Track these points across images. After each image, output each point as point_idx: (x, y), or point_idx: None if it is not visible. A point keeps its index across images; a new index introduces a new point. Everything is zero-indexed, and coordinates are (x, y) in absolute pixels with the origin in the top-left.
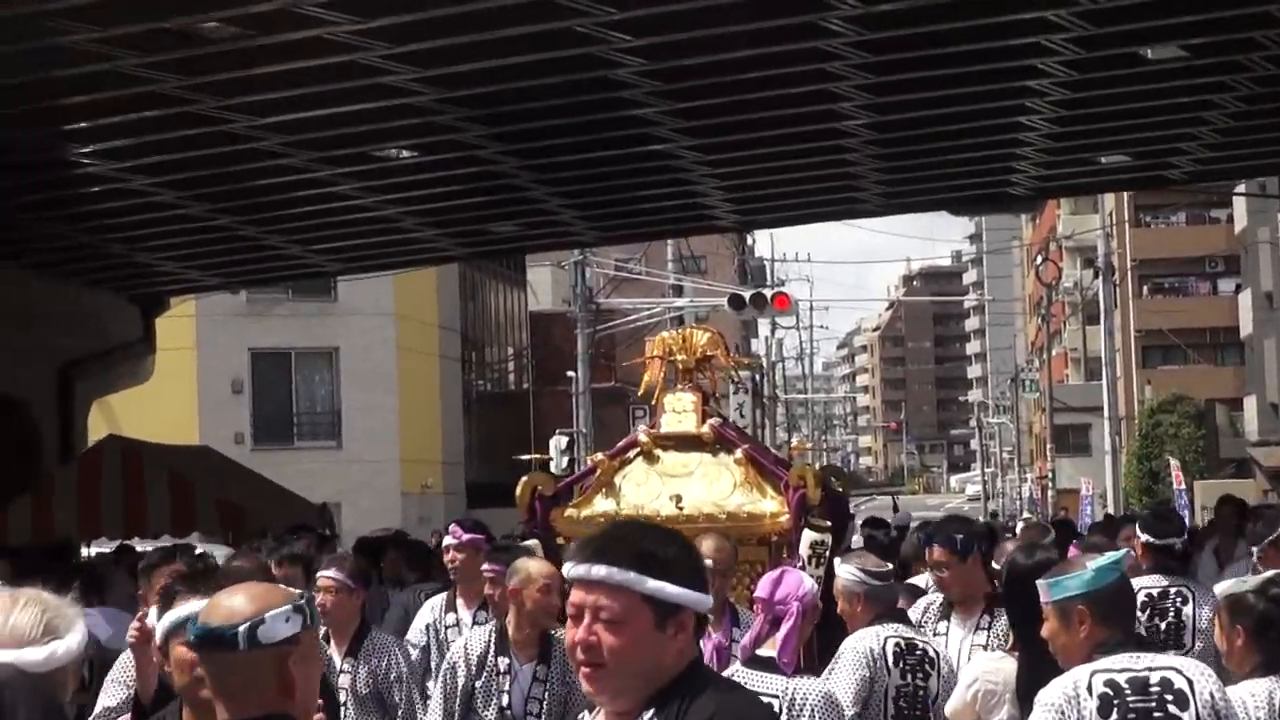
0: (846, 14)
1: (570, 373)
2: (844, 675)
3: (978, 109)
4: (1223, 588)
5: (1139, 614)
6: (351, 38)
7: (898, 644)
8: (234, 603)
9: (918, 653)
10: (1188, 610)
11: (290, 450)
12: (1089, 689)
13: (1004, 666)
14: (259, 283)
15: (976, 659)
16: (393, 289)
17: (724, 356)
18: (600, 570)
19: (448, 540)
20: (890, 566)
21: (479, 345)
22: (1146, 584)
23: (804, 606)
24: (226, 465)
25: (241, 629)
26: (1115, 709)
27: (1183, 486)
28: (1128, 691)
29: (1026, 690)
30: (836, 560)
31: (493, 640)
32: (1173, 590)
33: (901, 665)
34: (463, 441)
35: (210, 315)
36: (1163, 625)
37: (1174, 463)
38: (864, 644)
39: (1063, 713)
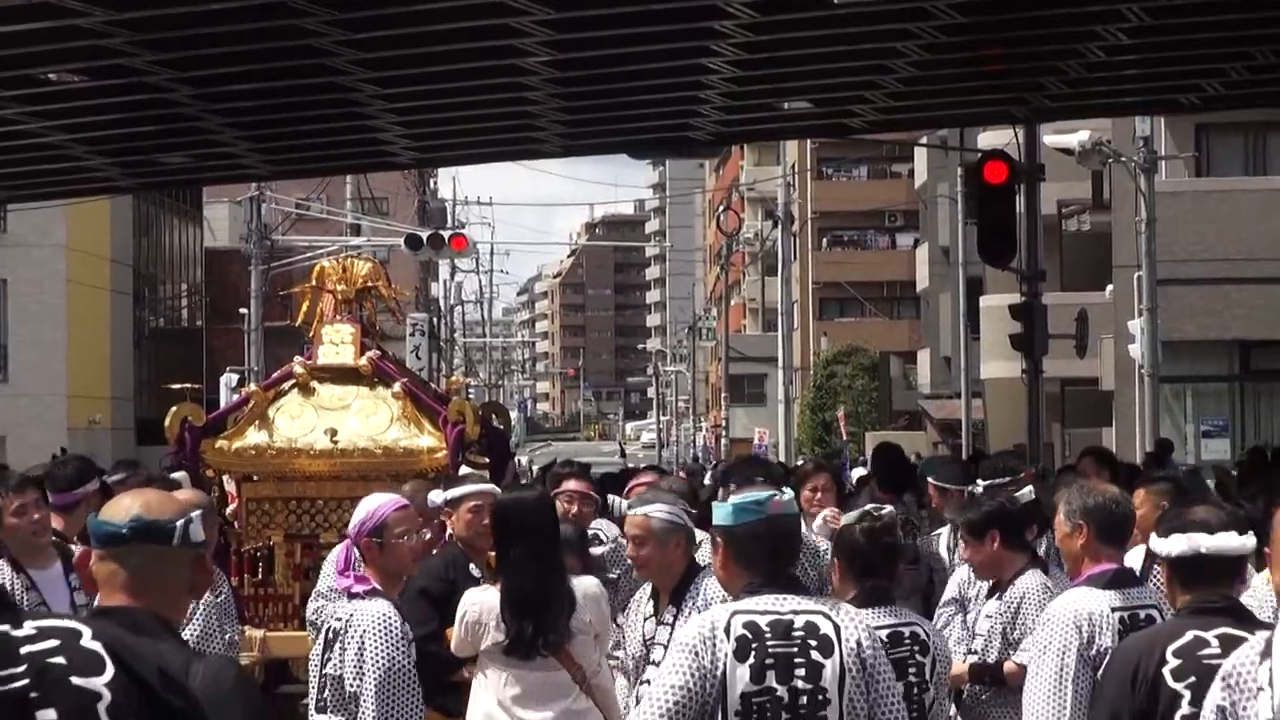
0: None
1: (244, 310)
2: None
3: (659, 49)
4: (845, 519)
5: None
6: None
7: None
8: (153, 501)
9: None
10: None
11: None
12: (726, 630)
13: (486, 597)
14: None
15: (466, 594)
16: (65, 221)
17: (385, 288)
18: None
19: None
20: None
21: (153, 281)
22: None
23: (361, 533)
24: None
25: (178, 524)
26: (753, 652)
27: (846, 437)
28: (768, 635)
29: (513, 609)
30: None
31: None
32: None
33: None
34: (133, 377)
35: None
36: None
37: (840, 413)
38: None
39: (696, 653)
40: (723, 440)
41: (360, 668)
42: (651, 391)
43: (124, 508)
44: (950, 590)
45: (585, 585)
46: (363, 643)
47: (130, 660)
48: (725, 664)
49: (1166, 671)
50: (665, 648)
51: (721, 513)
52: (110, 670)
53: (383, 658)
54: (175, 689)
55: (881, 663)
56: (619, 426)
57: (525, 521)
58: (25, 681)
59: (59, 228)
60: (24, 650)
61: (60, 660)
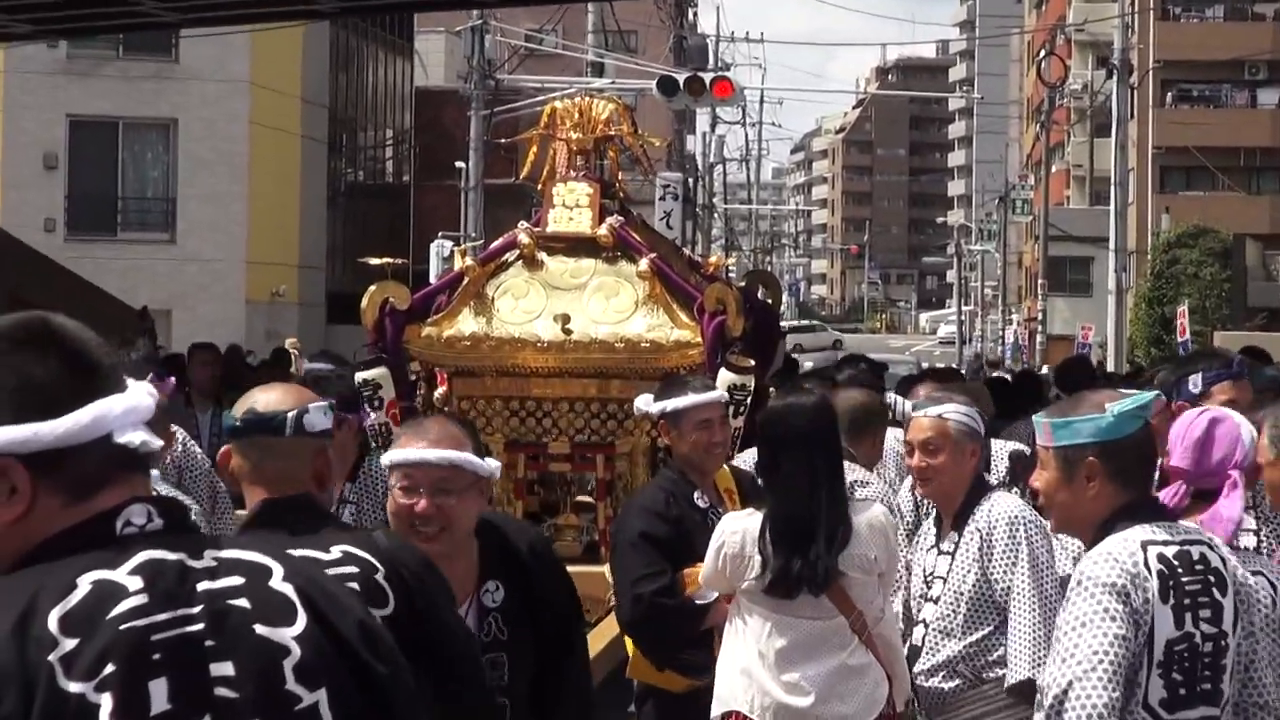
0: None
1: (460, 164)
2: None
3: None
4: None
5: None
6: None
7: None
8: (273, 396)
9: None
10: None
11: (113, 242)
12: (1147, 566)
13: (748, 524)
14: (82, 33)
15: (724, 519)
16: (248, 51)
17: (630, 135)
18: None
19: None
20: None
21: (352, 126)
22: None
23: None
24: (25, 255)
25: (289, 415)
26: (1172, 591)
27: (1187, 337)
28: (1180, 570)
29: (775, 537)
30: (950, 403)
31: None
32: None
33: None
34: (325, 242)
35: (21, 73)
36: None
37: (1182, 308)
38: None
39: (1127, 595)
40: (1038, 337)
41: None
42: (951, 275)
43: (248, 402)
44: None
45: (872, 514)
46: None
47: (327, 609)
48: (1154, 606)
49: None
50: (945, 581)
51: (1096, 425)
52: (302, 621)
53: None
54: (379, 649)
55: (1254, 600)
56: (911, 316)
57: (800, 431)
58: (200, 626)
59: (241, 60)
60: (201, 587)
61: (243, 603)
